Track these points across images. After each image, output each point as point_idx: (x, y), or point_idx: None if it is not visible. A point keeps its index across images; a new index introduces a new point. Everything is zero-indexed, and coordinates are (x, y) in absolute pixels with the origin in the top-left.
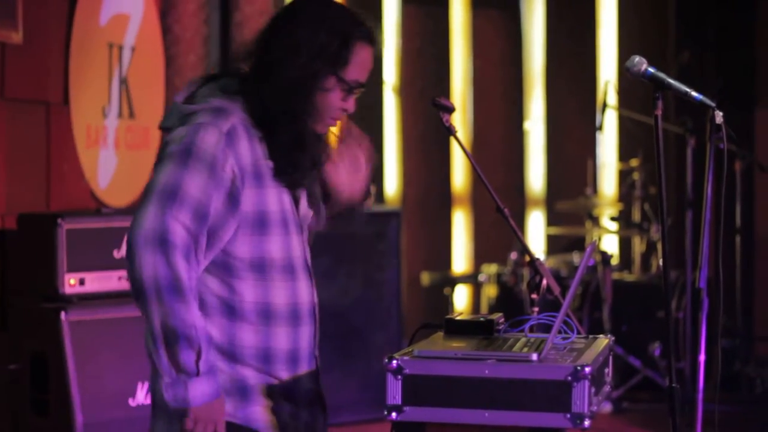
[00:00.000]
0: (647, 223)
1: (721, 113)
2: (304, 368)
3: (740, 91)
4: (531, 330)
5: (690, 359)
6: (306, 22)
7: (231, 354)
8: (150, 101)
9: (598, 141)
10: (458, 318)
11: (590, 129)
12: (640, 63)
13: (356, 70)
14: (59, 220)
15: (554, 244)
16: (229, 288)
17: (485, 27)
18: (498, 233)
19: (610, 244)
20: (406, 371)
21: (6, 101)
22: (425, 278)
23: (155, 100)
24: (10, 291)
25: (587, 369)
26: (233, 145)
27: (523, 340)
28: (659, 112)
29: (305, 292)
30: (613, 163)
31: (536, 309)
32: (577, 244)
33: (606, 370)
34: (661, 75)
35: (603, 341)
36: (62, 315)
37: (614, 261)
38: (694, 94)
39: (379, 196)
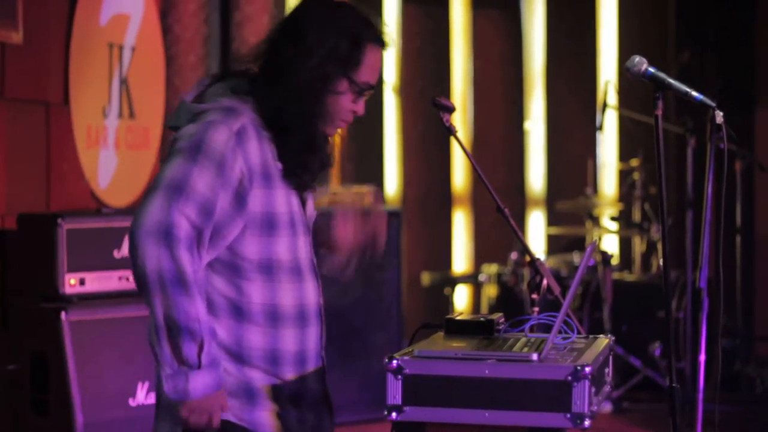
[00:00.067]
0: (647, 223)
1: (721, 113)
2: (311, 369)
3: (740, 91)
4: (531, 330)
5: (690, 359)
6: (316, 24)
7: (238, 356)
8: (150, 101)
9: (598, 141)
10: (458, 318)
11: (590, 129)
12: (641, 63)
13: (367, 72)
14: (59, 220)
15: (554, 244)
16: (236, 289)
17: (485, 27)
18: (498, 233)
19: (611, 244)
20: (406, 371)
21: (6, 101)
22: (425, 278)
23: (155, 100)
24: (10, 291)
25: (587, 369)
26: (243, 144)
27: (524, 340)
28: (659, 112)
29: (312, 293)
30: (613, 163)
31: (536, 309)
32: (578, 244)
33: (606, 370)
34: (662, 75)
35: (603, 341)
36: (62, 315)
37: (614, 261)
38: (695, 94)
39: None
